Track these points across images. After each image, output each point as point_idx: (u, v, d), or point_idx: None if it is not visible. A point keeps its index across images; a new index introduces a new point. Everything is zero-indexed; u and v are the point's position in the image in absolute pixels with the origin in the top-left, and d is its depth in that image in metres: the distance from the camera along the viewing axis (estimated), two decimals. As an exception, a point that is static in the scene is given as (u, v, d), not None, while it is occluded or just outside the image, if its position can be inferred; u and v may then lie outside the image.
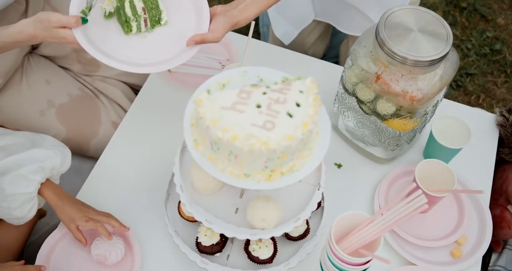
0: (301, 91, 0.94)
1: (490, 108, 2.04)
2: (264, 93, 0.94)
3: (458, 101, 2.00)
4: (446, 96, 2.07)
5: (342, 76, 1.29)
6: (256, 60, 1.54)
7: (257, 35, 2.20)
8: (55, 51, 1.59)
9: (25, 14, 1.53)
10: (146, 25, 1.19)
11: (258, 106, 0.92)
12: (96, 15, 1.18)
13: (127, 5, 1.16)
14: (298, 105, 0.93)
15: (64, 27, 1.12)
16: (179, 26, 1.21)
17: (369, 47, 1.19)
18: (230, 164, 0.92)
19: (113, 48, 1.16)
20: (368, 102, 1.24)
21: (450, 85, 2.12)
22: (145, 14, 1.17)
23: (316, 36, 1.77)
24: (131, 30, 1.18)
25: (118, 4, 1.16)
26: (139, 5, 1.16)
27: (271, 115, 0.91)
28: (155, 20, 1.19)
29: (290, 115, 0.91)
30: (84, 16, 1.14)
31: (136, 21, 1.17)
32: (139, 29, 1.19)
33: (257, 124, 0.89)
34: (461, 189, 1.26)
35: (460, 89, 2.12)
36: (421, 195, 0.95)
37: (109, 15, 1.19)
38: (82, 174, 1.53)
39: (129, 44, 1.18)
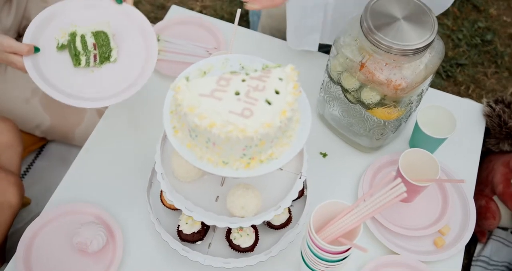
0: (280, 79, 0.94)
1: (479, 99, 2.04)
2: (243, 80, 0.93)
3: (448, 92, 2.00)
4: (436, 86, 2.07)
5: (327, 65, 1.28)
6: (244, 49, 1.53)
7: (246, 24, 2.19)
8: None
9: (9, 1, 1.51)
10: (95, 60, 1.23)
11: (237, 94, 0.91)
12: (49, 46, 1.22)
13: (78, 39, 1.20)
14: (277, 92, 0.92)
15: (16, 53, 1.16)
16: (127, 65, 1.25)
17: (354, 35, 1.18)
18: (208, 151, 0.92)
19: (59, 79, 1.20)
20: (353, 91, 1.23)
21: (440, 75, 2.11)
22: (95, 49, 1.21)
23: None
24: (79, 64, 1.22)
25: (70, 38, 1.20)
26: (90, 41, 1.20)
27: (249, 103, 0.90)
28: (105, 56, 1.23)
29: (269, 103, 0.91)
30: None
31: (85, 56, 1.21)
32: (87, 63, 1.22)
33: (235, 111, 0.89)
34: (443, 179, 1.26)
35: (450, 80, 2.11)
36: (400, 183, 0.95)
37: (62, 47, 1.22)
38: (68, 163, 1.53)
39: (76, 77, 1.22)
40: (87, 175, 1.32)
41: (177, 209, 1.18)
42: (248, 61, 1.04)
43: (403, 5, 1.15)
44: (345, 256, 1.04)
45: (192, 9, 2.28)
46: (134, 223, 1.26)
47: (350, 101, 1.26)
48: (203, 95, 0.91)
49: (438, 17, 2.03)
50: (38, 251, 1.20)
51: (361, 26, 1.13)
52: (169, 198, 1.08)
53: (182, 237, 1.16)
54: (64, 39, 1.22)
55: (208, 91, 0.91)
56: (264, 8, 1.24)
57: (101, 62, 1.23)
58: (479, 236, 1.70)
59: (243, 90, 0.91)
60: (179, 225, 1.16)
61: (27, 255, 1.19)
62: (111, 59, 1.24)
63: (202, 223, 1.16)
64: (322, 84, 1.34)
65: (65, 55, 1.23)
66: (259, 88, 0.92)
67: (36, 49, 1.19)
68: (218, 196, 1.10)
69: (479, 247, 1.72)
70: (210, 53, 1.52)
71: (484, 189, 1.63)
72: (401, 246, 1.26)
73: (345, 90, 1.25)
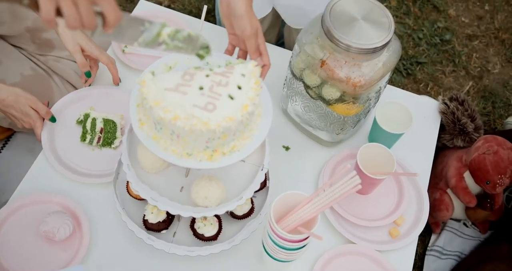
0: (243, 75, 0.98)
1: (437, 97, 2.11)
2: (207, 75, 0.97)
3: (408, 89, 2.08)
4: (396, 83, 2.14)
5: (290, 62, 1.32)
6: (211, 44, 1.56)
7: (214, 19, 2.22)
8: (8, 30, 1.58)
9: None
10: (98, 142, 1.36)
11: (201, 88, 0.95)
12: (72, 117, 1.39)
13: (89, 120, 1.36)
14: (239, 88, 0.96)
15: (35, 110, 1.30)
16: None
17: (315, 34, 1.23)
18: (173, 143, 0.96)
19: (63, 148, 1.35)
20: (314, 87, 1.28)
21: (400, 73, 2.18)
22: (101, 133, 1.35)
23: (267, 26, 1.79)
24: (84, 140, 1.35)
25: (83, 118, 1.36)
26: (99, 125, 1.35)
27: (212, 97, 0.94)
28: (108, 142, 1.36)
29: (231, 98, 0.95)
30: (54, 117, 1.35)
31: (90, 135, 1.35)
32: (91, 142, 1.36)
33: (199, 105, 0.93)
34: (398, 172, 1.32)
35: (410, 77, 2.18)
36: (355, 176, 1.00)
37: (80, 122, 1.38)
38: (35, 153, 1.54)
39: (78, 150, 1.36)
40: (54, 165, 1.33)
41: (143, 199, 1.22)
42: (212, 57, 1.08)
43: (362, 6, 1.20)
44: (304, 244, 1.09)
45: (160, 3, 2.30)
46: (101, 212, 1.29)
47: (312, 97, 1.31)
48: (168, 89, 0.94)
49: (399, 17, 2.09)
50: (4, 240, 1.22)
51: (322, 26, 1.18)
52: (135, 188, 1.11)
53: (148, 226, 1.20)
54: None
55: (173, 85, 0.95)
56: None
57: (103, 145, 1.36)
58: (434, 227, 1.78)
59: (207, 85, 0.95)
60: (144, 215, 1.19)
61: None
62: (113, 146, 1.36)
63: (167, 213, 1.19)
64: (286, 80, 1.38)
65: (78, 130, 1.38)
66: (222, 84, 0.96)
67: (53, 119, 1.34)
68: (182, 187, 1.14)
69: (433, 237, 1.79)
70: (178, 48, 1.54)
71: (438, 182, 1.70)
72: (358, 236, 1.32)
73: (307, 87, 1.30)
